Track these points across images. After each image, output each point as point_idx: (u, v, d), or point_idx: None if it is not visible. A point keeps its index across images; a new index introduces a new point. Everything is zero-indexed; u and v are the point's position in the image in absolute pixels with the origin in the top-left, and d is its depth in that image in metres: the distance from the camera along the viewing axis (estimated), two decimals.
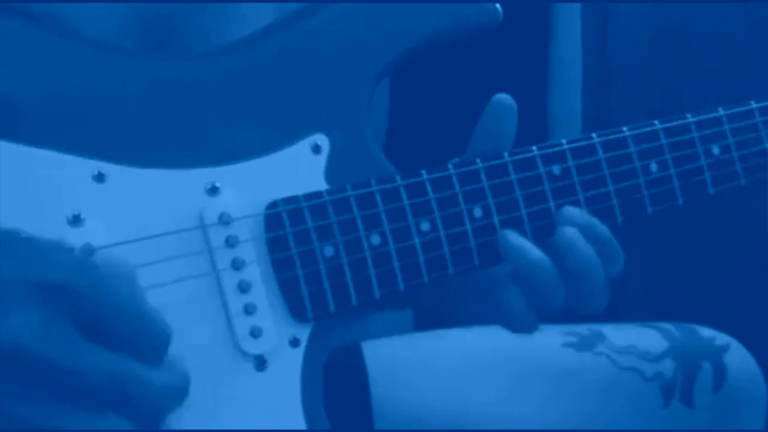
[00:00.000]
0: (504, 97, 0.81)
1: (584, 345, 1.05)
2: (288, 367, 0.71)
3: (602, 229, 0.79)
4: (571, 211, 0.79)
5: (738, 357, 1.08)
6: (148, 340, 0.61)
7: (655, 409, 1.04)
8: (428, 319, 0.93)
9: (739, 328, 1.13)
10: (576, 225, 0.78)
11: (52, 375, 0.57)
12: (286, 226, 0.71)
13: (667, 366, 1.05)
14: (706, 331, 1.10)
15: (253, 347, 0.70)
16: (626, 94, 1.89)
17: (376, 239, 0.73)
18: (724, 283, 1.90)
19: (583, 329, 1.07)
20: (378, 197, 0.74)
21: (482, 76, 1.63)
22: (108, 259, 0.65)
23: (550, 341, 1.03)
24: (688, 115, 0.84)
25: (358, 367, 1.02)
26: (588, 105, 1.84)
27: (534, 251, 0.77)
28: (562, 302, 0.79)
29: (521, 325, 0.80)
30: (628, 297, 1.82)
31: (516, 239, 0.77)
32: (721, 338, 1.09)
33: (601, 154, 0.80)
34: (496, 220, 0.77)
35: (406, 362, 1.04)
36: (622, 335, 1.07)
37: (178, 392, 0.62)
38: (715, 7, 1.91)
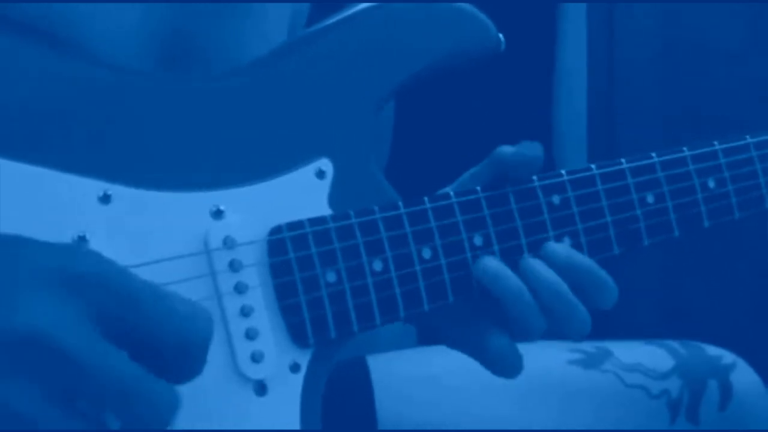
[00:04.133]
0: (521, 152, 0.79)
1: (591, 362, 1.05)
2: (288, 392, 0.71)
3: (581, 258, 0.79)
4: (551, 246, 0.78)
5: (744, 376, 1.08)
6: (182, 356, 0.59)
7: (662, 427, 1.04)
8: (432, 334, 0.93)
9: (746, 347, 1.13)
10: (557, 258, 0.78)
11: (61, 366, 0.55)
12: (289, 251, 0.71)
13: (674, 384, 1.05)
14: (712, 350, 1.10)
15: (254, 372, 0.70)
16: (631, 95, 1.88)
17: (378, 266, 0.74)
18: (731, 301, 1.89)
19: (590, 347, 1.07)
20: (381, 224, 0.74)
21: (487, 77, 1.63)
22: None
23: (556, 358, 1.03)
24: (685, 149, 0.84)
25: (363, 382, 1.03)
26: (593, 107, 1.84)
27: (512, 279, 0.76)
28: (542, 332, 0.78)
29: (504, 368, 0.79)
30: (635, 314, 1.82)
31: (493, 266, 0.77)
32: (727, 357, 1.09)
33: (599, 186, 0.81)
34: (496, 248, 0.78)
35: (412, 378, 1.04)
36: (628, 353, 1.07)
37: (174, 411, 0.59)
38: (720, 7, 1.90)
